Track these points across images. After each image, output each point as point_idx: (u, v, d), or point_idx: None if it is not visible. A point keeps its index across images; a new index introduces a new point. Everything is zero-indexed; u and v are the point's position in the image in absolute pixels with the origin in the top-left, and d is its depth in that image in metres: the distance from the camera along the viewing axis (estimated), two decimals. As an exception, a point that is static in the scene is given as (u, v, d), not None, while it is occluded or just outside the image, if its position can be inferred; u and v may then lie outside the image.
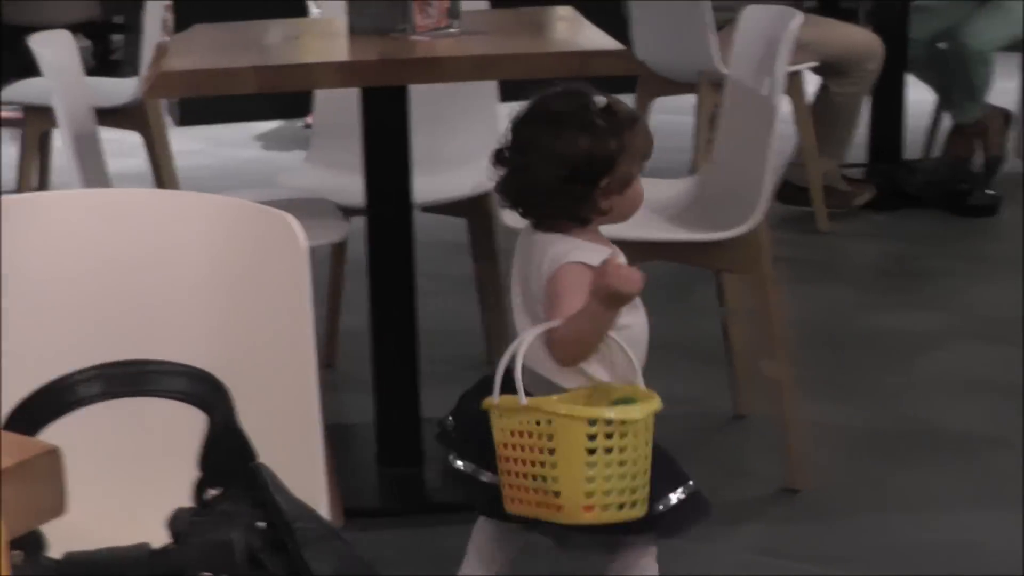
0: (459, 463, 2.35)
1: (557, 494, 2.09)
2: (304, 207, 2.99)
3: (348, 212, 3.24)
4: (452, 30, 2.93)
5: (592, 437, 2.08)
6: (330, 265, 3.76)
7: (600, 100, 2.23)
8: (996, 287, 4.32)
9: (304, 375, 1.71)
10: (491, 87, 3.64)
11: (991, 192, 5.07)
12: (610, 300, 2.14)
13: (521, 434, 2.12)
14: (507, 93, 3.76)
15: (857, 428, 3.34)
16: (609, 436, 2.08)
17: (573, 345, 2.18)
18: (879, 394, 3.56)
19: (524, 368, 2.15)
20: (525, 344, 2.14)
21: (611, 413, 2.09)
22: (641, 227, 3.04)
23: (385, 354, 3.11)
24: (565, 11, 3.31)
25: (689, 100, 4.73)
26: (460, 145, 3.60)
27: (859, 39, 4.85)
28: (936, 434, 3.33)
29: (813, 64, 4.78)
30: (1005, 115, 5.58)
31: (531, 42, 2.92)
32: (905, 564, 2.80)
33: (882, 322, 4.05)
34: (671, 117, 6.13)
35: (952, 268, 4.51)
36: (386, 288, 3.08)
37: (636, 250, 2.98)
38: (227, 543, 1.33)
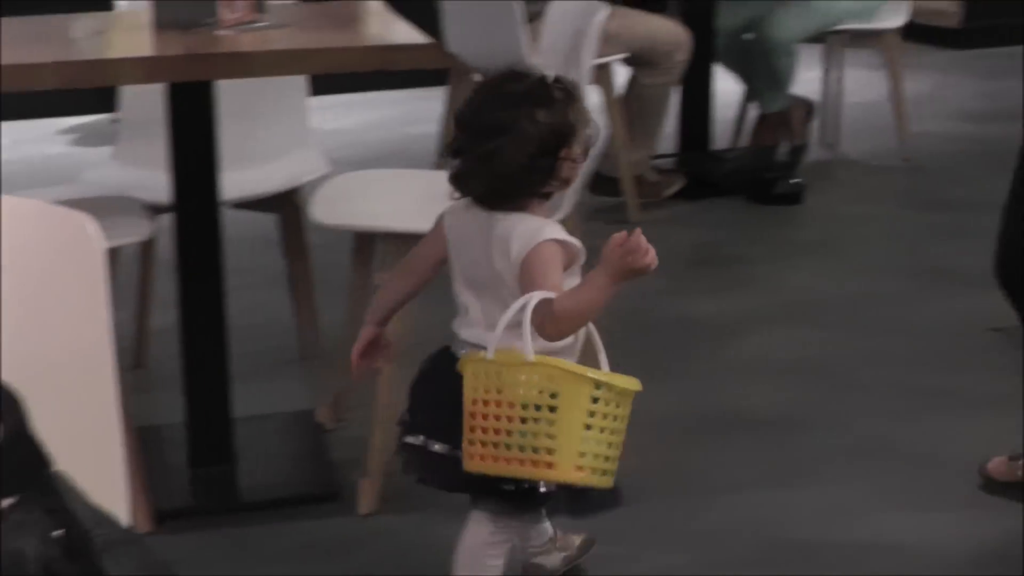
0: (408, 437, 2.39)
1: (551, 451, 2.15)
2: (107, 205, 2.95)
3: (156, 210, 3.20)
4: (259, 24, 2.90)
5: (595, 400, 2.16)
6: (139, 264, 3.70)
7: (548, 75, 2.32)
8: (801, 272, 4.43)
9: (102, 378, 1.68)
10: (300, 81, 3.62)
11: (796, 180, 5.18)
12: (626, 274, 2.20)
13: (505, 392, 2.16)
14: (317, 87, 3.74)
15: (667, 413, 3.39)
16: (607, 403, 2.17)
17: (575, 318, 2.24)
18: (689, 379, 3.62)
19: (472, 345, 2.28)
20: (530, 309, 2.17)
21: (617, 380, 2.19)
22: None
23: (194, 353, 3.08)
24: (374, 5, 3.30)
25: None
26: (269, 140, 3.57)
27: (667, 31, 4.91)
28: (743, 416, 3.41)
29: (622, 56, 4.83)
30: (808, 105, 5.70)
31: (338, 36, 2.90)
32: (712, 545, 2.86)
33: (692, 309, 4.12)
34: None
35: (759, 255, 4.61)
36: (194, 286, 3.05)
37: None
38: (19, 553, 1.30)
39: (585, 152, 2.32)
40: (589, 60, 2.95)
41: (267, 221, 3.65)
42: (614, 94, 4.82)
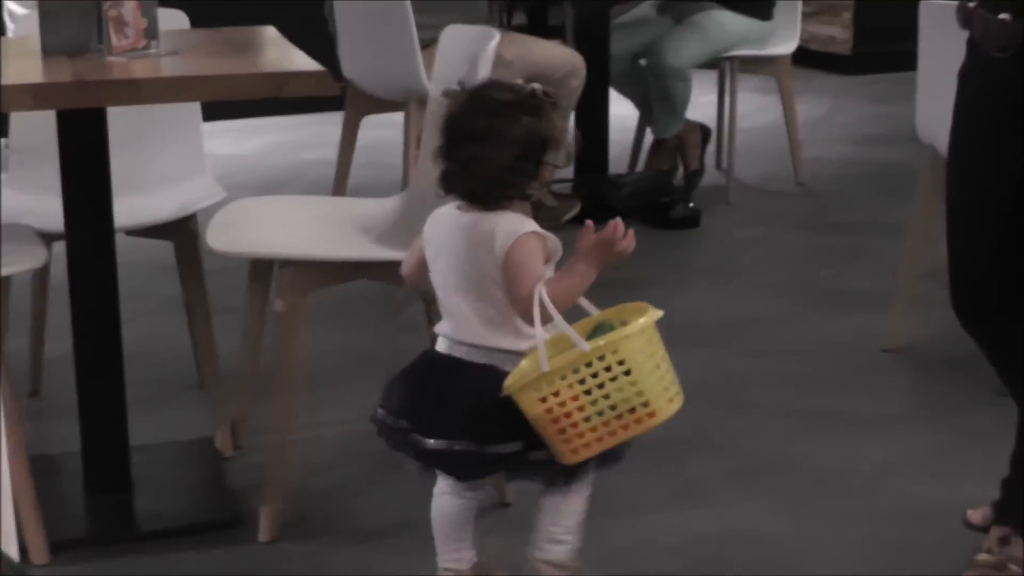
0: (431, 442, 2.48)
1: (646, 404, 2.37)
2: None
3: (49, 237, 3.17)
4: (150, 51, 2.89)
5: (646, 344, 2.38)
6: (32, 292, 3.67)
7: (531, 86, 2.51)
8: (697, 295, 4.47)
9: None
10: (194, 107, 3.60)
11: (692, 205, 5.23)
12: (605, 259, 2.44)
13: (584, 380, 2.35)
14: (213, 112, 3.73)
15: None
16: (650, 342, 2.39)
17: (562, 304, 2.42)
18: (587, 404, 3.63)
19: (462, 344, 2.47)
20: (540, 300, 2.38)
21: (650, 315, 2.39)
22: (349, 246, 3.06)
23: (90, 380, 3.05)
24: (268, 32, 3.29)
25: (399, 118, 4.75)
26: (163, 166, 3.55)
27: (561, 56, 4.94)
28: (640, 439, 3.41)
29: (517, 81, 4.85)
30: (704, 130, 5.77)
31: (230, 63, 2.90)
32: (616, 568, 2.87)
33: (589, 333, 4.14)
34: (382, 134, 6.17)
35: (655, 278, 4.64)
36: (88, 313, 3.02)
37: (344, 269, 3.01)
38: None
39: (565, 159, 2.49)
40: (483, 86, 2.96)
41: (163, 247, 3.62)
42: (511, 119, 4.83)
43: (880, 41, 8.30)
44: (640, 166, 5.71)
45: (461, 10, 4.68)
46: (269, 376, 3.03)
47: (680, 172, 5.63)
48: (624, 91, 5.62)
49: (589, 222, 2.45)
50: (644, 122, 5.74)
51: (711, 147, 5.89)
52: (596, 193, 5.27)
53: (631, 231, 2.46)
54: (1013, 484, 2.90)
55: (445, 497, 2.60)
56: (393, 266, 2.96)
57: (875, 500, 3.16)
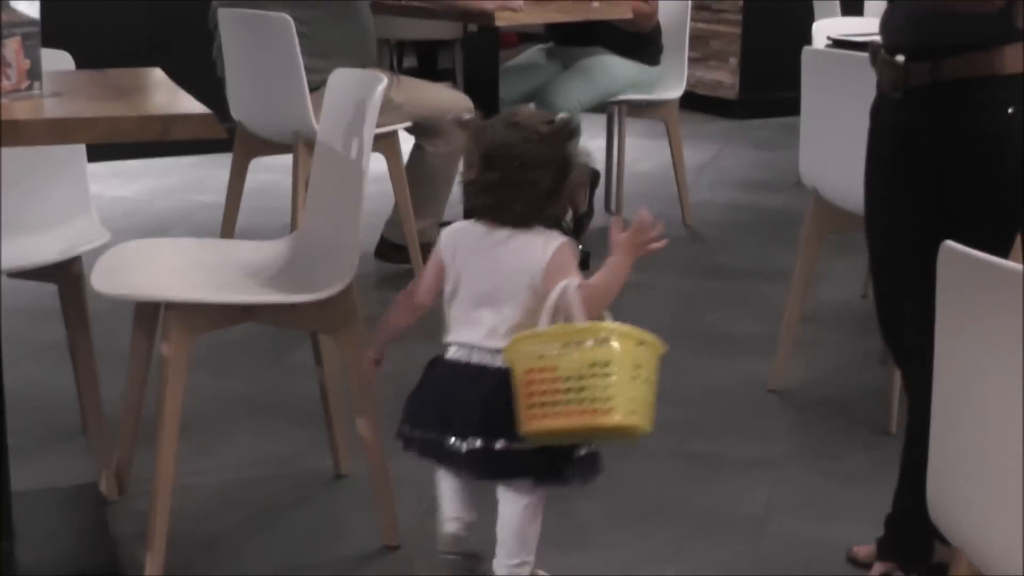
0: (468, 442, 2.59)
1: (608, 399, 2.43)
2: None
3: (-70, 280, 3.12)
4: (33, 92, 2.85)
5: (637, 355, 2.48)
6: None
7: (563, 115, 2.72)
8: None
9: None
10: (79, 149, 3.57)
11: (580, 247, 5.24)
12: (638, 251, 2.62)
13: (560, 358, 2.45)
14: (99, 153, 3.69)
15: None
16: (648, 359, 2.48)
17: (605, 298, 2.59)
18: (475, 447, 3.63)
19: (486, 351, 2.61)
20: (570, 292, 2.54)
21: (650, 338, 2.48)
22: (236, 290, 3.05)
23: (-30, 427, 3.00)
24: (154, 73, 3.27)
25: (288, 160, 4.74)
26: (47, 208, 3.51)
27: (450, 100, 4.96)
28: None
29: (406, 125, 4.86)
30: (592, 173, 5.81)
31: (114, 105, 2.87)
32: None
33: (478, 376, 4.14)
34: (270, 177, 6.16)
35: (544, 322, 4.65)
36: (-31, 358, 2.97)
37: (231, 313, 2.99)
38: None
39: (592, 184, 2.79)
40: (371, 129, 2.97)
41: (47, 290, 3.58)
42: (400, 162, 4.84)
43: (765, 87, 8.45)
44: (529, 209, 5.73)
45: (350, 54, 4.69)
46: (154, 421, 3.00)
47: (569, 215, 5.65)
48: (513, 135, 5.64)
49: (616, 217, 2.66)
50: (533, 165, 5.77)
51: (600, 190, 5.94)
52: (485, 236, 5.28)
53: (661, 222, 2.61)
54: (895, 521, 2.96)
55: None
56: (281, 309, 2.96)
57: (760, 542, 3.19)
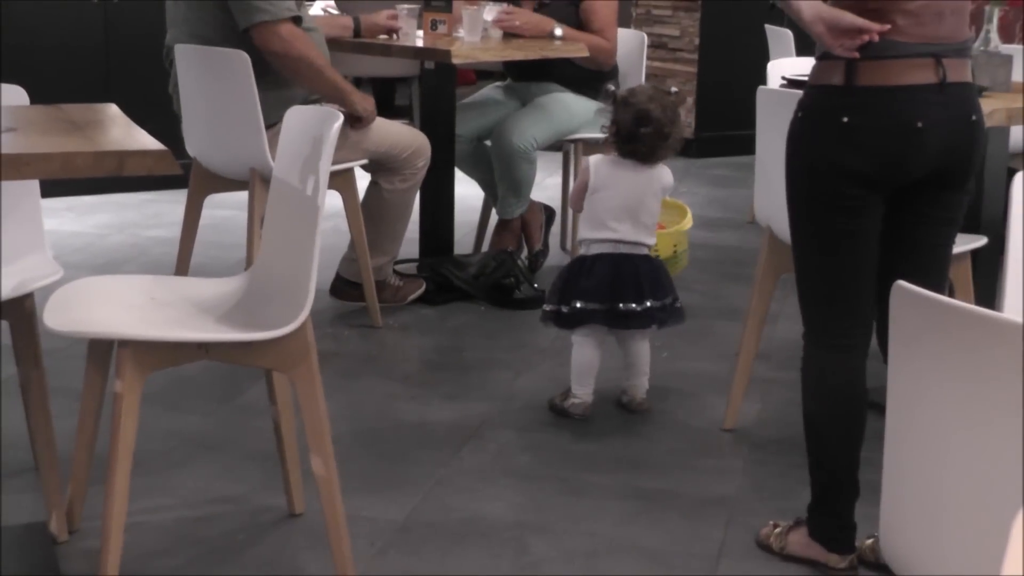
0: (645, 304, 4.11)
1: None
2: None
3: None
4: (-13, 127, 2.84)
5: None
6: None
7: (673, 87, 4.39)
8: (540, 376, 4.49)
9: None
10: (32, 185, 3.55)
11: (536, 286, 5.27)
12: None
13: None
14: (53, 188, 3.68)
15: (405, 521, 3.39)
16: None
17: None
18: (425, 485, 3.62)
19: (625, 243, 4.13)
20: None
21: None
22: (190, 327, 3.03)
23: (-82, 464, 2.96)
24: (109, 109, 3.26)
25: (243, 197, 4.73)
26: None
27: (407, 137, 4.97)
28: (480, 522, 3.43)
29: (362, 162, 4.86)
30: (548, 211, 5.83)
31: (68, 141, 2.86)
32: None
33: (430, 414, 4.14)
34: (225, 213, 6.14)
35: (499, 359, 4.66)
36: (-82, 395, 2.94)
37: (185, 350, 2.97)
38: None
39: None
40: (327, 166, 2.96)
41: (-2, 327, 3.56)
42: (356, 199, 4.84)
43: (720, 125, 8.50)
44: (485, 246, 5.74)
45: (306, 90, 4.69)
46: (106, 458, 2.97)
47: (524, 253, 5.67)
48: (469, 172, 5.66)
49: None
50: (489, 202, 5.79)
51: (555, 228, 5.95)
52: (441, 273, 5.29)
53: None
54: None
55: (587, 348, 4.12)
56: (235, 347, 2.94)
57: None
